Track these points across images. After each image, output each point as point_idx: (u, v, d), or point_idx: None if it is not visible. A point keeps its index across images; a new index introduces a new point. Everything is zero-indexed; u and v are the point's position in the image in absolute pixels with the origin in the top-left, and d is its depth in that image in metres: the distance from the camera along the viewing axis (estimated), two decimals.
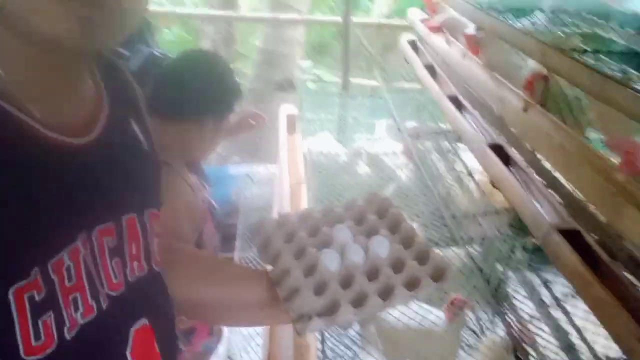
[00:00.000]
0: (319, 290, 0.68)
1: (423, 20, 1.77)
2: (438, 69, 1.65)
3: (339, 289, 0.68)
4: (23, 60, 0.47)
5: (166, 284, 0.67)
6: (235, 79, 1.15)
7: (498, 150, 1.15)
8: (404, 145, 1.66)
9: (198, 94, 1.09)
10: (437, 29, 1.62)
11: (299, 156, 1.75)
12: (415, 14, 1.90)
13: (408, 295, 0.68)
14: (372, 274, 0.70)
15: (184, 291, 0.76)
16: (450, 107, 1.39)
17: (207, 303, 0.79)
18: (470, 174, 1.37)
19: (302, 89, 3.01)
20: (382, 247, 0.73)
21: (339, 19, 2.34)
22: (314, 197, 1.47)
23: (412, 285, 0.69)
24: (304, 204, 1.41)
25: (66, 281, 0.48)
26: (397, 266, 0.71)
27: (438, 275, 0.70)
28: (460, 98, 1.42)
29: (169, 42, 6.15)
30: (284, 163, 1.67)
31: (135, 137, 0.62)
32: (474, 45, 1.36)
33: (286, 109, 2.04)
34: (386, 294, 0.68)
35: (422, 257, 0.72)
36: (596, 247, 0.80)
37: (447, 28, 1.58)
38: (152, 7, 4.92)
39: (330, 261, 0.71)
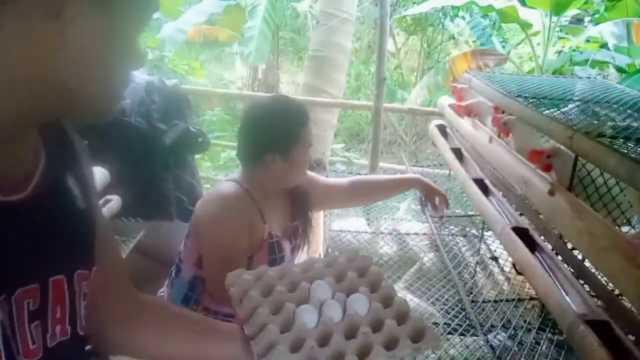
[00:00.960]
0: (296, 346, 0.67)
1: (451, 105, 1.80)
2: (465, 153, 1.64)
3: (316, 346, 0.66)
4: None
5: (89, 349, 0.62)
6: (292, 116, 1.24)
7: (523, 234, 1.10)
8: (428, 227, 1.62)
9: (257, 136, 1.23)
10: (464, 110, 1.63)
11: (319, 233, 1.72)
12: (444, 101, 1.93)
13: (386, 355, 0.66)
14: (350, 332, 0.69)
15: (151, 345, 0.74)
16: (476, 189, 1.36)
17: (178, 358, 0.76)
18: (494, 259, 1.31)
19: (332, 170, 3.05)
20: (361, 305, 0.71)
21: (370, 104, 2.40)
22: None
23: (390, 345, 0.67)
24: None
25: None
26: (376, 325, 0.69)
27: (418, 336, 0.68)
28: (486, 181, 1.39)
29: (211, 122, 6.46)
30: None
31: (72, 194, 0.60)
32: (503, 128, 1.35)
33: None
34: (364, 354, 0.66)
35: (402, 317, 0.70)
36: (627, 340, 0.72)
37: (474, 109, 1.59)
38: (198, 87, 5.22)
39: (308, 317, 0.70)
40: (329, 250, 1.62)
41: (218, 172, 5.53)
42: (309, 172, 1.36)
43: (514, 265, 1.06)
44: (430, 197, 1.39)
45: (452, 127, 1.84)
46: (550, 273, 0.96)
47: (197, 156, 3.17)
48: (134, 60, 0.53)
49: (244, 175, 1.26)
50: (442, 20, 6.52)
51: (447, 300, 1.17)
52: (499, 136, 1.39)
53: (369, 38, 7.59)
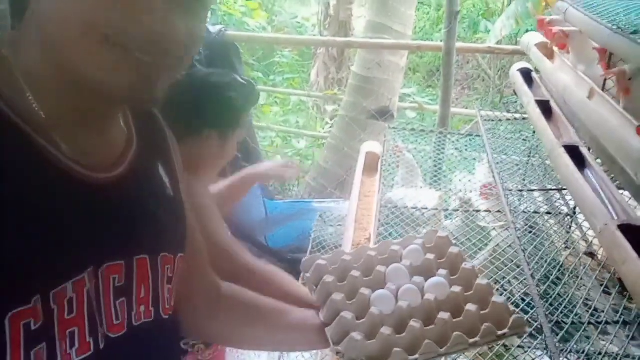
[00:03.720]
0: (371, 333, 0.65)
1: (539, 44, 1.42)
2: (555, 107, 1.28)
3: (392, 334, 0.65)
4: (60, 100, 0.50)
5: (175, 333, 0.66)
6: (228, 96, 1.10)
7: (636, 235, 0.78)
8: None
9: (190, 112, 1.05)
10: (557, 47, 1.26)
11: (373, 204, 1.47)
12: (530, 38, 1.54)
13: (467, 342, 0.63)
14: (429, 319, 0.66)
15: (228, 332, 0.76)
16: (567, 161, 1.03)
17: (255, 345, 0.80)
18: (590, 255, 1.00)
19: (401, 118, 2.73)
20: (440, 289, 0.69)
21: (441, 44, 2.05)
22: None
23: (472, 332, 0.64)
24: None
25: (66, 313, 0.47)
26: (456, 311, 0.67)
27: (501, 323, 0.65)
28: (583, 150, 1.05)
29: (280, 64, 6.23)
30: (352, 214, 1.40)
31: (161, 181, 0.62)
32: (623, 84, 0.97)
33: (368, 146, 1.78)
34: (443, 341, 0.64)
35: (484, 302, 0.67)
36: None
37: (573, 44, 1.22)
38: (272, 35, 4.93)
39: (383, 303, 0.68)
40: (380, 228, 1.37)
41: (287, 118, 5.34)
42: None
43: (619, 281, 0.76)
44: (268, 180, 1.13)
45: (539, 72, 1.47)
46: None
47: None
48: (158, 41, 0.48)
49: None
50: None
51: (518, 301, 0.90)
52: (603, 89, 1.04)
53: None
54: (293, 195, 3.41)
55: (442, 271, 0.73)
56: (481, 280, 0.69)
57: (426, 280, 0.71)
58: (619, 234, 0.78)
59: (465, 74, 6.96)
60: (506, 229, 1.21)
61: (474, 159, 1.93)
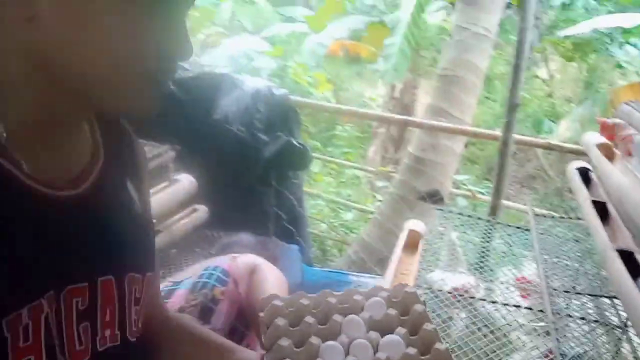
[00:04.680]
0: None
1: (601, 145, 1.38)
2: (612, 210, 1.22)
3: None
4: (26, 118, 0.47)
5: (144, 357, 0.63)
6: None
7: None
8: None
9: None
10: (617, 149, 1.22)
11: (408, 283, 1.41)
12: (591, 138, 1.51)
13: None
14: None
15: None
16: (620, 267, 0.96)
17: None
18: None
19: (452, 204, 2.68)
20: (395, 348, 0.65)
21: (499, 134, 2.04)
22: None
23: None
24: None
25: (21, 341, 0.44)
26: None
27: None
28: (639, 258, 0.98)
29: (340, 137, 6.37)
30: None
31: (129, 197, 0.60)
32: None
33: (412, 224, 1.74)
34: None
35: None
36: None
37: (635, 148, 1.18)
38: (332, 104, 5.12)
39: (331, 356, 0.65)
40: None
41: (340, 190, 5.38)
42: None
43: None
44: None
45: (598, 173, 1.42)
46: None
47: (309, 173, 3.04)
48: (166, 50, 0.48)
49: None
50: (608, 46, 5.70)
51: None
52: None
53: None
54: (332, 266, 3.36)
55: (401, 329, 0.68)
56: (439, 345, 0.65)
57: (382, 337, 0.68)
58: None
59: (525, 173, 6.84)
60: (546, 330, 1.13)
61: (523, 256, 1.85)
